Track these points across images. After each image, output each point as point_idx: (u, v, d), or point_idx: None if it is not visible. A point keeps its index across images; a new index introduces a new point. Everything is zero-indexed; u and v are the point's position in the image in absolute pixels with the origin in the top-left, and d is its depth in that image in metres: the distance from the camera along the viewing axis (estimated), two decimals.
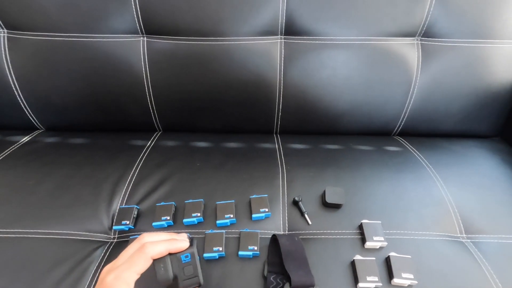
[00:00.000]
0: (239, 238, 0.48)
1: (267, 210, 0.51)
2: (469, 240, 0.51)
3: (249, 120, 0.71)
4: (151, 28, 0.62)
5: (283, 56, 0.64)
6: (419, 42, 0.65)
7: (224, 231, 0.49)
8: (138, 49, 0.63)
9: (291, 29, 0.63)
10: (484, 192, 0.58)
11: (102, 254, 0.47)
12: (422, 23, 0.62)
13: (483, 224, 0.53)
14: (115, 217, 0.52)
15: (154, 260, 0.34)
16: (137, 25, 0.61)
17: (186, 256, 0.35)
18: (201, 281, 0.35)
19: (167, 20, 0.61)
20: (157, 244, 0.34)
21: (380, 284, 0.43)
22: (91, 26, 0.61)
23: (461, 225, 0.53)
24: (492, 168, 0.64)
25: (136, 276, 0.32)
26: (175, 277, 0.35)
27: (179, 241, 0.36)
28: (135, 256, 0.33)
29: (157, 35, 0.63)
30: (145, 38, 0.63)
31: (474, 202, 0.56)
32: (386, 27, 0.63)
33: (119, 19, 0.61)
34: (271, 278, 0.42)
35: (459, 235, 0.52)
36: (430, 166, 0.63)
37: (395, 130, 0.74)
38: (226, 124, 0.72)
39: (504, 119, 0.73)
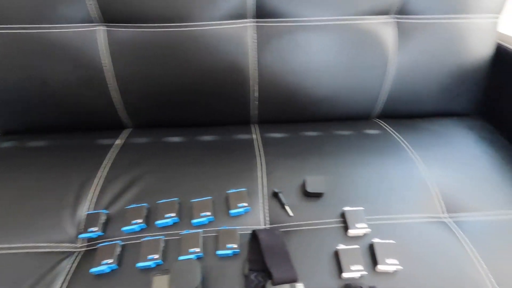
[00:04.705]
0: (217, 236, 0.45)
1: (246, 204, 0.49)
2: (451, 220, 0.50)
3: (224, 110, 0.68)
4: (110, 15, 0.57)
5: (255, 40, 0.61)
6: (395, 20, 0.63)
7: (201, 230, 0.46)
8: (97, 39, 0.58)
9: (262, 12, 0.59)
10: (463, 170, 0.58)
11: (69, 266, 0.44)
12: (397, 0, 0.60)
13: (464, 201, 0.53)
14: (82, 224, 0.48)
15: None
16: (95, 12, 0.56)
17: None
18: None
19: (128, 6, 0.56)
20: None
21: (365, 272, 0.42)
22: (43, 15, 0.55)
23: (443, 204, 0.52)
24: (470, 145, 0.64)
25: None
26: None
27: None
28: None
29: (118, 23, 0.58)
30: (104, 27, 0.58)
31: (454, 180, 0.56)
32: (360, 6, 0.60)
33: (73, 6, 0.55)
34: (252, 277, 0.40)
35: (441, 215, 0.51)
36: (410, 148, 0.62)
37: (376, 112, 0.73)
38: (200, 116, 0.68)
39: (480, 95, 0.73)
